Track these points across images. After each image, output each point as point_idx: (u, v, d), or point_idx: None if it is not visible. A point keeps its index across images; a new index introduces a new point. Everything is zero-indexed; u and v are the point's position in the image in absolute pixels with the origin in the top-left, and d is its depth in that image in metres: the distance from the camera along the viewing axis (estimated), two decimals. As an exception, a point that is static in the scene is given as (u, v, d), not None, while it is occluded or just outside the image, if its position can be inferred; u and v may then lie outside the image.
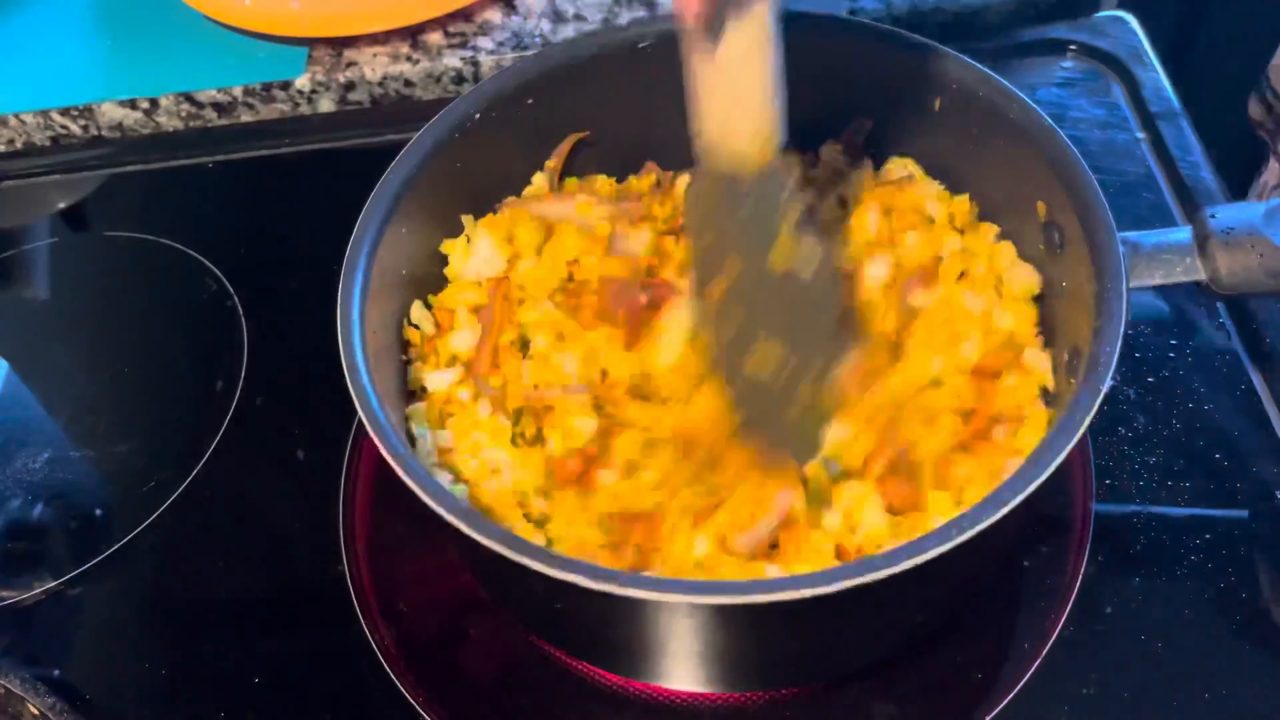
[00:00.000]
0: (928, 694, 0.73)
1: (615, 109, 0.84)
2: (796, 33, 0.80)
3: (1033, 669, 0.72)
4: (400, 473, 0.62)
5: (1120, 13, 1.09)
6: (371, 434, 0.64)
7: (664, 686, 0.73)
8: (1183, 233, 0.68)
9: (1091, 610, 0.74)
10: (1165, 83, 1.03)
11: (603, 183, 0.87)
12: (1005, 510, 0.57)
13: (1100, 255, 0.65)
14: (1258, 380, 0.84)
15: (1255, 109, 1.21)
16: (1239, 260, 0.66)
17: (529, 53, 1.09)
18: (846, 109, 0.84)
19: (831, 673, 0.73)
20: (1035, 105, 0.73)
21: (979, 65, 0.76)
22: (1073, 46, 1.07)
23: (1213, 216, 0.68)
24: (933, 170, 0.82)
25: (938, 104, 0.78)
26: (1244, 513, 0.78)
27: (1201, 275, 0.67)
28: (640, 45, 0.82)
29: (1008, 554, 0.76)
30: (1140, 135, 1.00)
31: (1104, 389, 0.60)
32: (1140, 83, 1.03)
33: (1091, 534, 0.77)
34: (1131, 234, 0.68)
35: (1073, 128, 1.00)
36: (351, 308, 0.69)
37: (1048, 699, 0.71)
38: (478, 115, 0.79)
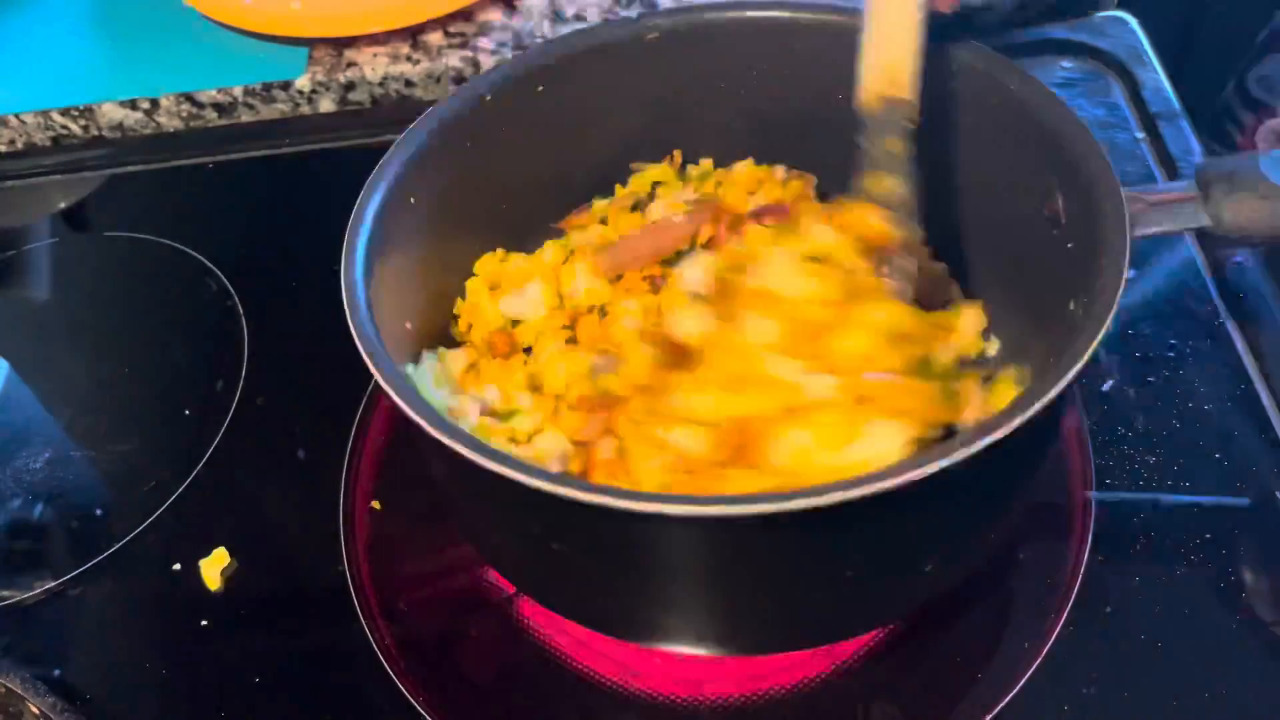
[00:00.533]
0: (928, 693, 0.73)
1: (625, 99, 0.84)
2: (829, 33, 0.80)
3: (1033, 669, 0.72)
4: (376, 374, 0.61)
5: (1120, 13, 1.09)
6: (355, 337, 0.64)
7: (656, 648, 0.72)
8: (1185, 181, 0.68)
9: (1092, 609, 0.74)
10: (1165, 83, 1.03)
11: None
12: (1021, 420, 0.55)
13: (1100, 204, 0.64)
14: (1258, 380, 0.84)
15: (1232, 99, 1.22)
16: (1242, 203, 0.66)
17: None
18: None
19: (832, 630, 0.71)
20: (1033, 75, 0.72)
21: (973, 41, 0.75)
22: (1073, 46, 1.07)
23: (1214, 165, 0.68)
24: (937, 153, 0.80)
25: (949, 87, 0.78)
26: (1245, 513, 0.78)
27: (1205, 221, 0.67)
28: (649, 37, 0.81)
29: (1017, 496, 0.73)
30: (1140, 135, 1.00)
31: (1108, 321, 0.59)
32: (1140, 83, 1.03)
33: (1091, 534, 0.77)
34: (1135, 186, 0.67)
35: (1073, 128, 1.00)
36: (358, 248, 0.69)
37: (1048, 699, 0.71)
38: (488, 97, 0.79)
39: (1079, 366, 0.58)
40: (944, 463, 0.53)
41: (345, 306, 0.65)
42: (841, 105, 0.83)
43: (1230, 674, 0.72)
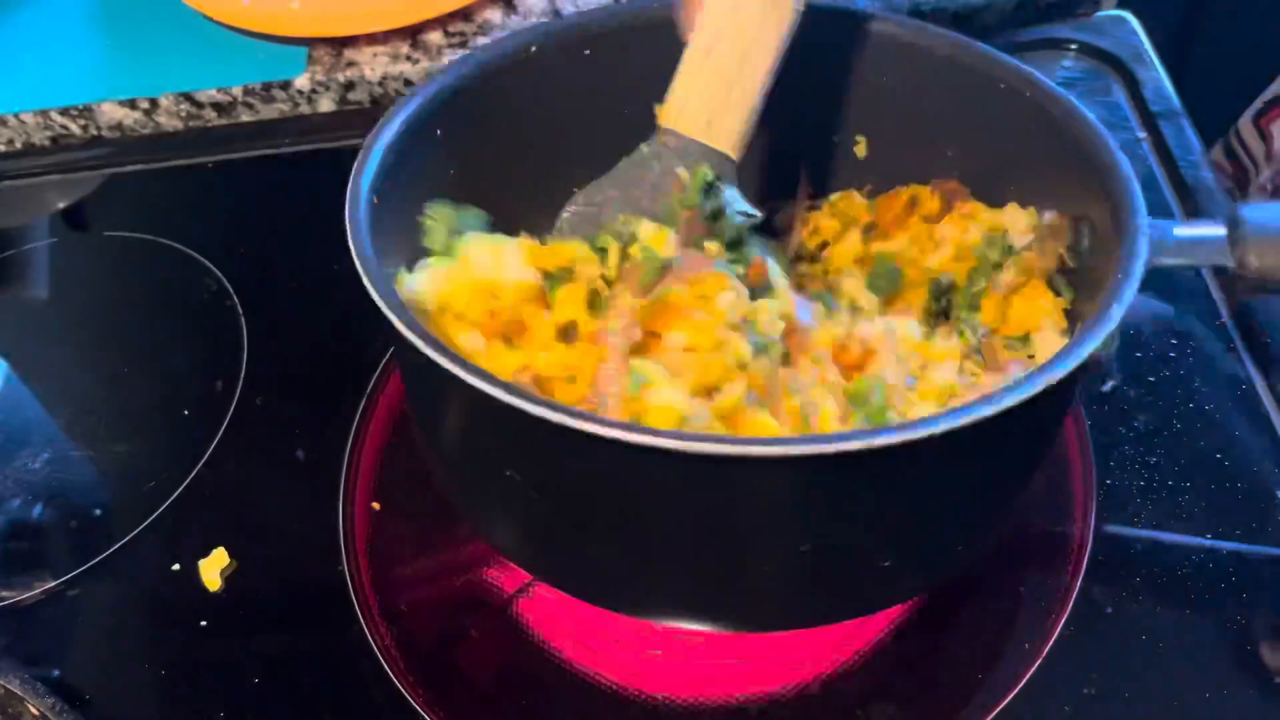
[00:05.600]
0: (927, 694, 0.73)
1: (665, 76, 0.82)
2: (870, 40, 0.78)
3: (1033, 669, 0.72)
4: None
5: (1120, 12, 1.09)
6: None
7: (652, 623, 0.71)
8: (1214, 222, 0.67)
9: (1091, 610, 0.74)
10: (1165, 82, 1.03)
11: None
12: (1042, 386, 0.54)
13: (1124, 218, 0.63)
14: (1258, 380, 0.84)
15: (1219, 155, 1.24)
16: (1270, 248, 0.65)
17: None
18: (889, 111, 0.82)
19: (842, 605, 0.69)
20: (1064, 92, 0.71)
21: (1001, 54, 0.74)
22: (1073, 46, 1.07)
23: (1246, 210, 0.66)
24: (966, 170, 0.79)
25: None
26: (1245, 512, 0.78)
27: (1229, 260, 0.66)
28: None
29: (1049, 439, 0.73)
30: (1141, 135, 1.00)
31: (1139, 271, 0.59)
32: (1141, 82, 1.03)
33: (1092, 533, 0.77)
34: (1161, 221, 0.66)
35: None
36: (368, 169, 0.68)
37: (1048, 699, 0.71)
38: (534, 48, 0.77)
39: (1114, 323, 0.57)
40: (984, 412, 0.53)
41: (347, 211, 0.65)
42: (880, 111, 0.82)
43: (1229, 674, 0.72)
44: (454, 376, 0.56)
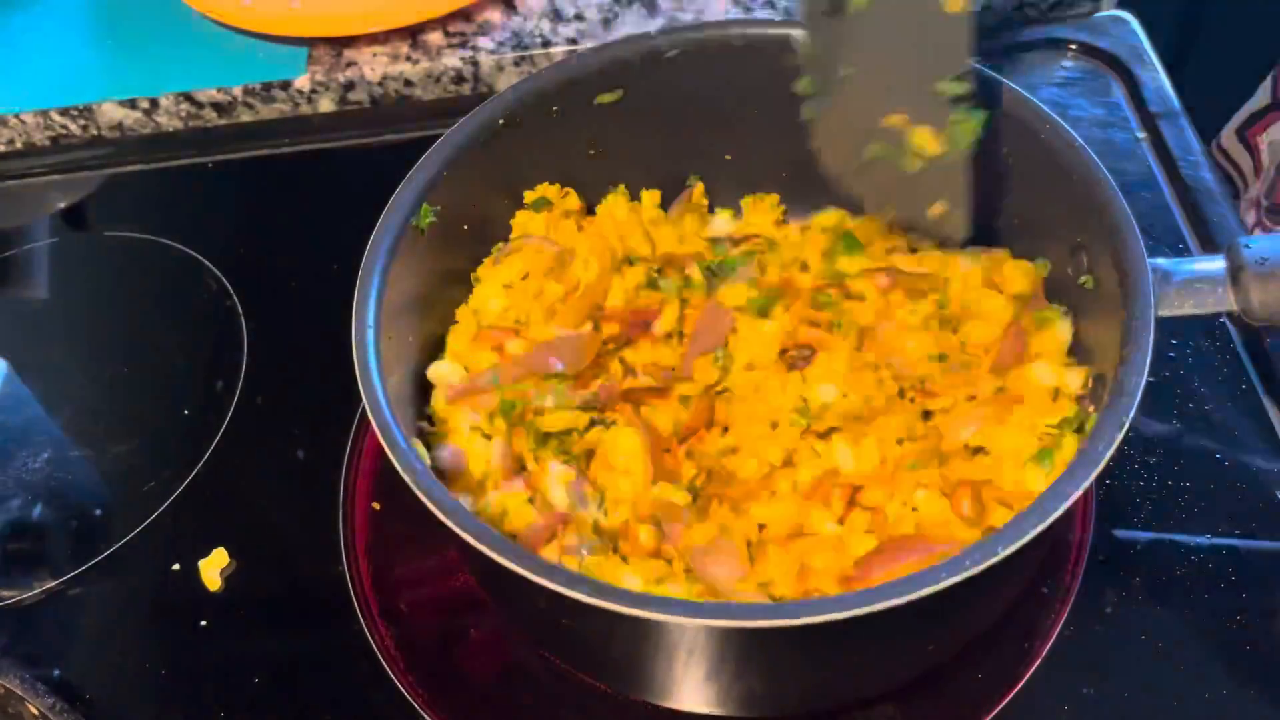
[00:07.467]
0: (928, 694, 0.73)
1: (639, 119, 0.83)
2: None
3: (1033, 669, 0.72)
4: (430, 506, 0.64)
5: (1120, 12, 1.09)
6: (390, 455, 0.65)
7: (670, 706, 0.73)
8: (1215, 262, 0.66)
9: (1091, 610, 0.74)
10: (1165, 83, 1.03)
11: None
12: (1026, 539, 0.57)
13: (1130, 284, 0.64)
14: (1258, 380, 0.84)
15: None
16: (1272, 291, 0.64)
17: (530, 53, 1.09)
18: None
19: (842, 698, 0.73)
20: (1068, 127, 0.72)
21: (1015, 86, 0.74)
22: (1073, 46, 1.07)
23: (1247, 246, 0.66)
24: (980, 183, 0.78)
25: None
26: (1244, 512, 0.78)
27: (1234, 306, 0.65)
28: (668, 55, 0.81)
29: (1022, 574, 0.76)
30: (1140, 135, 1.00)
31: (1128, 420, 0.59)
32: (1140, 82, 1.03)
33: (1092, 534, 0.77)
34: (1162, 261, 0.66)
35: (1073, 127, 1.00)
36: (366, 326, 0.69)
37: (1048, 699, 0.71)
38: (501, 121, 0.79)
39: (1100, 468, 0.58)
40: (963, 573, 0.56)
41: (370, 414, 0.67)
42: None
43: (1229, 674, 0.72)
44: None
